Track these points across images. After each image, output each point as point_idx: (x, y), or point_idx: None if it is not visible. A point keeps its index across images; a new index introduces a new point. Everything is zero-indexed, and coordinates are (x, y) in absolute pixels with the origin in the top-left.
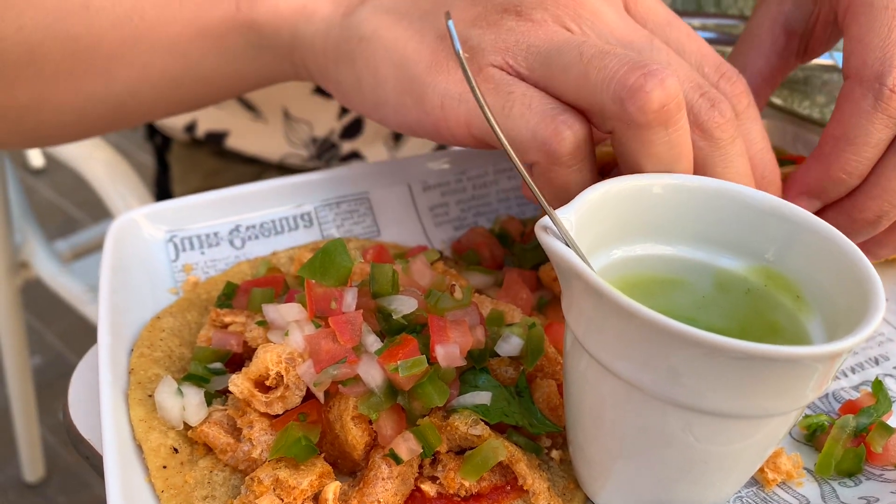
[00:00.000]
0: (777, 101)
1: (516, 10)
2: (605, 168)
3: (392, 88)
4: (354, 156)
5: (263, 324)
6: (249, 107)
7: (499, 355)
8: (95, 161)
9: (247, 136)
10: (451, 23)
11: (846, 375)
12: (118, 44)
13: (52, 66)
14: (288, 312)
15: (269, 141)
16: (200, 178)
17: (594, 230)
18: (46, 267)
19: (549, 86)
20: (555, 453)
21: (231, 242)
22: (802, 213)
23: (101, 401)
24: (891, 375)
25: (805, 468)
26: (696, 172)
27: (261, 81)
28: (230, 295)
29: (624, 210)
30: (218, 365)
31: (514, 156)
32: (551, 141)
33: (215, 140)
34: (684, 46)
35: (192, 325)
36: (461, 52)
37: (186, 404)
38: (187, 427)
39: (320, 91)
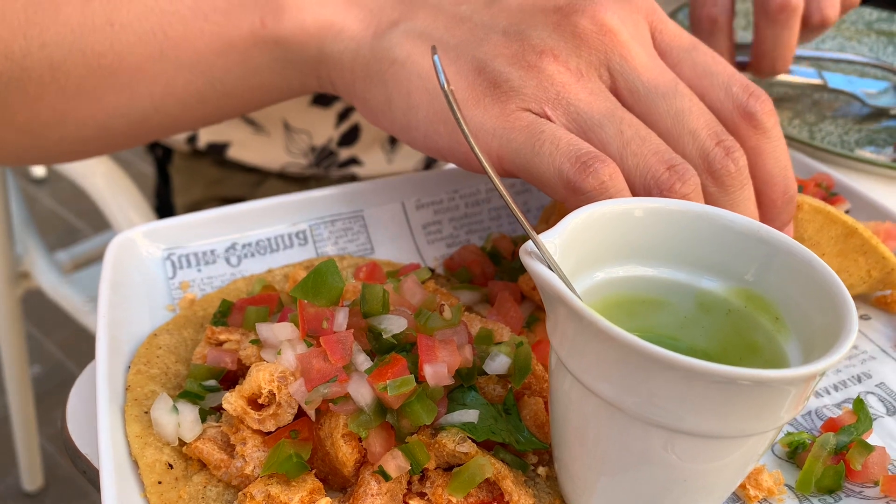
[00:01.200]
0: None
1: (553, 54)
2: None
3: (424, 115)
4: (353, 161)
5: (257, 342)
6: (250, 121)
7: (487, 373)
8: (95, 174)
9: (248, 147)
10: (436, 58)
11: (829, 393)
12: (142, 60)
13: (75, 83)
14: (281, 332)
15: (270, 151)
16: (202, 187)
17: (578, 253)
18: (47, 277)
19: (585, 139)
20: (541, 470)
21: (227, 260)
22: (780, 236)
23: (98, 417)
24: (873, 393)
25: (786, 485)
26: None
27: (285, 94)
28: (226, 312)
29: (607, 233)
30: (213, 382)
31: (496, 178)
32: (576, 179)
33: (217, 151)
34: (711, 68)
35: (189, 341)
36: (447, 87)
37: (181, 421)
38: (182, 443)
39: (318, 101)
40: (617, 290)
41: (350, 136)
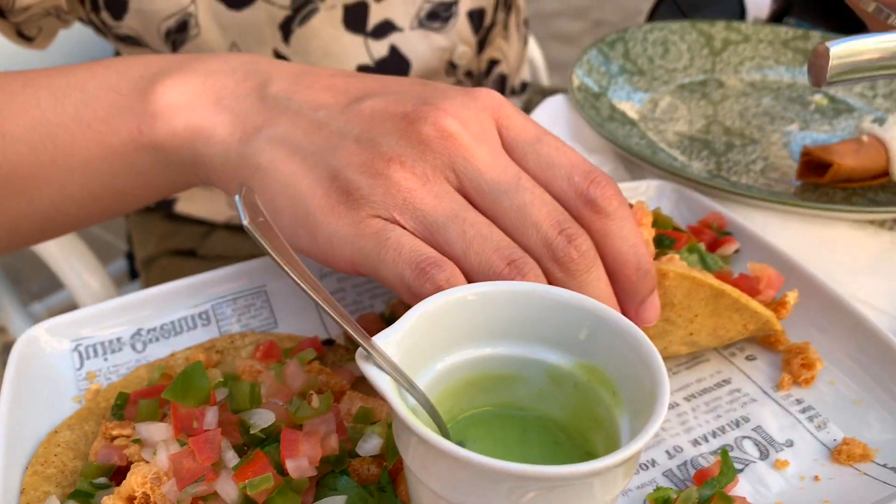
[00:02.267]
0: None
1: (400, 161)
2: None
3: (288, 219)
4: None
5: (139, 441)
6: None
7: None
8: (51, 244)
9: (194, 201)
10: (238, 198)
11: (707, 441)
12: (36, 167)
13: None
14: (156, 432)
15: (214, 205)
16: (155, 241)
17: (424, 344)
18: (23, 330)
19: (432, 244)
20: None
21: (133, 346)
22: (599, 307)
23: None
24: (749, 437)
25: None
26: None
27: (174, 189)
28: (122, 405)
29: (449, 320)
30: (104, 479)
31: (318, 298)
32: (415, 286)
33: (165, 206)
34: (554, 160)
35: (90, 435)
36: (247, 224)
37: None
38: None
39: None
40: (472, 369)
41: None
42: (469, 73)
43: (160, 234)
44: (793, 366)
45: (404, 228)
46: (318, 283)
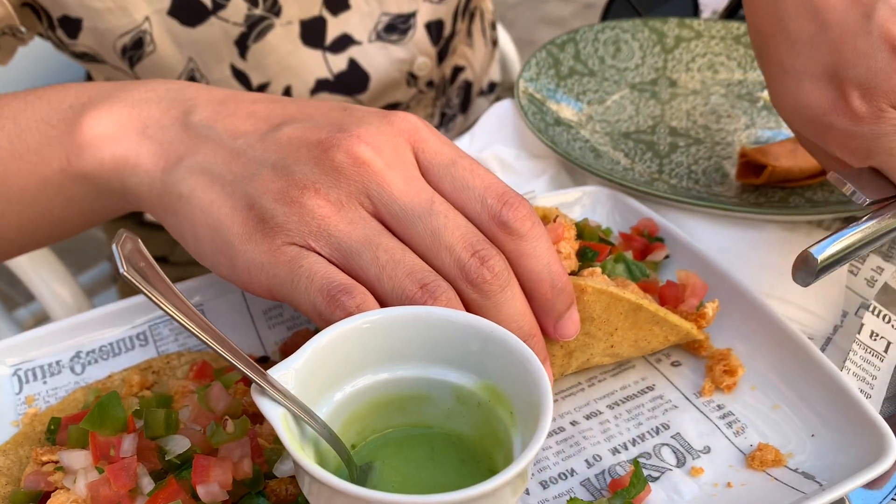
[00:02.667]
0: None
1: (315, 188)
2: None
3: (208, 247)
4: None
5: (62, 468)
6: None
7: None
8: (21, 257)
9: None
10: (114, 247)
11: (626, 448)
12: None
13: None
14: (76, 460)
15: None
16: None
17: (325, 372)
18: (6, 336)
19: (346, 270)
20: None
21: (72, 369)
22: (486, 325)
23: None
24: (667, 445)
25: None
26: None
27: (112, 215)
28: (54, 430)
29: (349, 347)
30: None
31: (213, 344)
32: (326, 312)
33: (137, 214)
34: (468, 182)
35: (24, 460)
36: (125, 272)
37: None
38: None
39: None
40: (379, 392)
41: None
42: (430, 83)
43: None
44: (715, 372)
45: (319, 255)
46: (205, 320)
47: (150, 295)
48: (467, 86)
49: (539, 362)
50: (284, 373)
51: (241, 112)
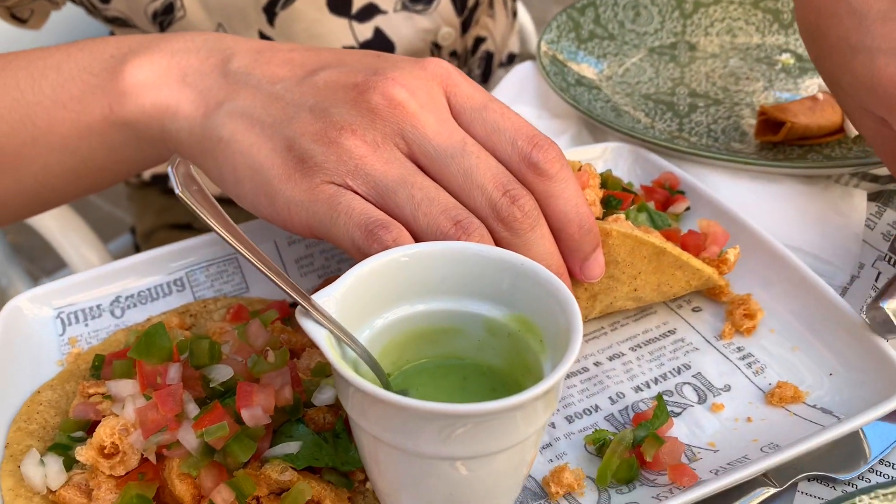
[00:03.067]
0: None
1: (351, 129)
2: None
3: (249, 188)
4: None
5: (111, 397)
6: None
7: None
8: (51, 221)
9: None
10: (170, 169)
11: (649, 387)
12: (19, 146)
13: None
14: (124, 388)
15: (207, 180)
16: (152, 216)
17: (362, 301)
18: None
19: (383, 208)
20: (368, 485)
21: (112, 312)
22: (517, 259)
23: None
24: (689, 383)
25: (590, 478)
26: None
27: (151, 164)
28: (98, 366)
29: (386, 280)
30: (81, 433)
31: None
32: (364, 246)
33: (162, 181)
34: (499, 125)
35: (70, 395)
36: (180, 192)
37: (48, 472)
38: (51, 491)
39: None
40: (414, 324)
41: None
42: (454, 53)
43: (158, 208)
44: (735, 316)
45: (356, 193)
46: (256, 247)
47: (202, 214)
48: (488, 56)
49: (568, 290)
50: (326, 299)
51: (278, 59)
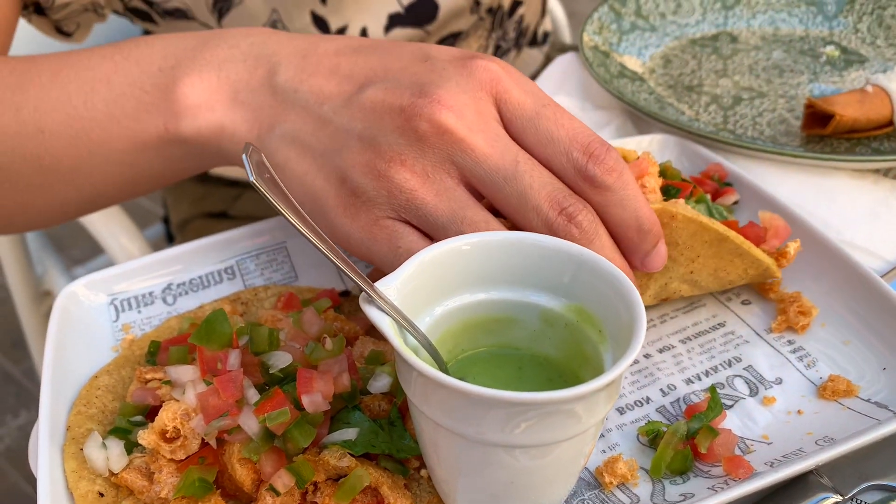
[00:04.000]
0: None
1: (401, 160)
2: None
3: (309, 210)
4: None
5: (169, 382)
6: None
7: (371, 392)
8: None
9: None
10: (245, 157)
11: (700, 379)
12: (76, 160)
13: (25, 180)
14: (184, 374)
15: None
16: (189, 204)
17: (423, 290)
18: None
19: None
20: (423, 472)
21: (164, 300)
22: (579, 250)
23: (39, 459)
24: (740, 376)
25: (643, 469)
26: None
27: (211, 167)
28: (154, 352)
29: (446, 269)
30: (140, 417)
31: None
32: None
33: None
34: (553, 135)
35: (126, 380)
36: (254, 180)
37: (109, 455)
38: (112, 474)
39: None
40: (472, 313)
41: None
42: (491, 10)
43: (194, 197)
44: (790, 313)
45: (412, 226)
46: (324, 235)
47: (274, 202)
48: (522, 21)
49: (630, 282)
50: (388, 287)
51: (324, 68)
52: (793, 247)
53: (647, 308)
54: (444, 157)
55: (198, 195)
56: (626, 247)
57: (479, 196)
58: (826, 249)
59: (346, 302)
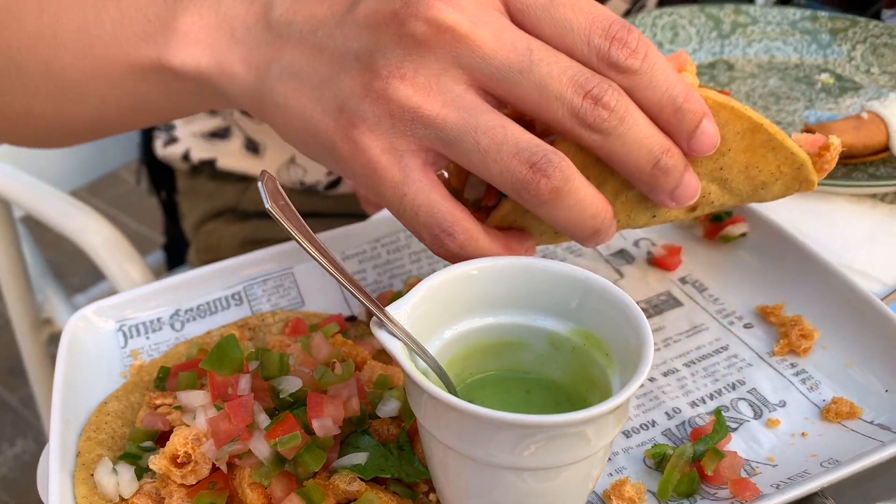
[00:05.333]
0: None
1: (399, 74)
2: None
3: (315, 152)
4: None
5: (180, 407)
6: (253, 148)
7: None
8: (94, 238)
9: (234, 156)
10: (260, 184)
11: (704, 402)
12: (80, 74)
13: (34, 83)
14: (195, 399)
15: (253, 162)
16: (203, 202)
17: (433, 314)
18: (68, 321)
19: (456, 161)
20: (433, 496)
21: (172, 326)
22: (585, 275)
23: (49, 485)
24: (744, 399)
25: (650, 491)
26: (601, 162)
27: (210, 108)
28: (163, 378)
29: (456, 293)
30: (150, 443)
31: (335, 272)
32: (434, 251)
33: (208, 165)
34: (571, 23)
35: (135, 406)
36: (269, 207)
37: (120, 480)
38: (123, 499)
39: None
40: (480, 337)
41: (335, 183)
42: None
43: (207, 193)
44: (791, 336)
45: (420, 159)
46: (337, 260)
47: (289, 229)
48: None
49: (636, 306)
50: (398, 311)
51: None
52: (835, 142)
53: (656, 302)
54: (448, 61)
55: (210, 191)
56: (668, 131)
57: (496, 105)
58: (826, 273)
59: (352, 327)
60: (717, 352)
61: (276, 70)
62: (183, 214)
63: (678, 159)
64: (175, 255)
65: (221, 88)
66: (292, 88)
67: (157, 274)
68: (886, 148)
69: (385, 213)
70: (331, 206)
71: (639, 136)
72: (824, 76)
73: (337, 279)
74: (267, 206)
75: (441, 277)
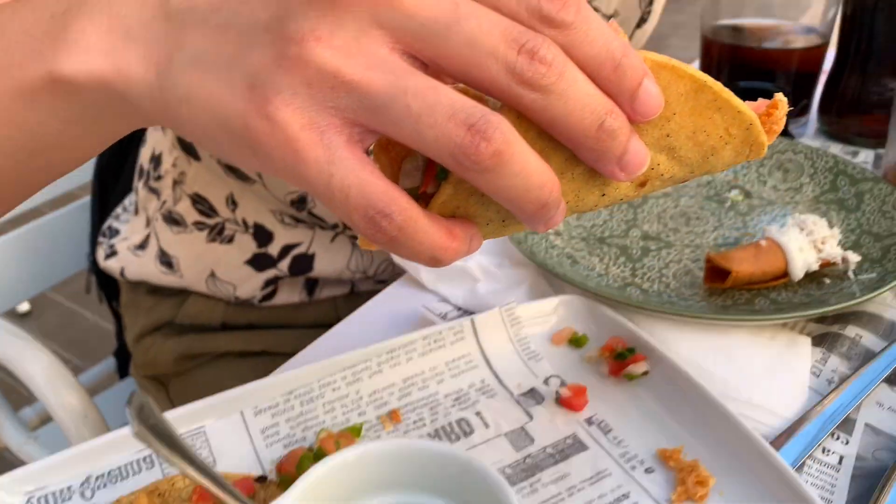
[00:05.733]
0: None
1: (315, 37)
2: None
3: (227, 146)
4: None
5: None
6: (168, 264)
7: None
8: (33, 366)
9: (156, 273)
10: (127, 409)
11: None
12: None
13: None
14: None
15: (186, 273)
16: (143, 316)
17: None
18: (13, 437)
19: (380, 130)
20: None
21: (82, 494)
22: (461, 455)
23: None
24: None
25: None
26: (537, 122)
27: (115, 137)
28: None
29: (342, 478)
30: None
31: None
32: (369, 236)
33: (145, 283)
34: None
35: None
36: (135, 434)
37: None
38: None
39: (253, 263)
40: None
41: (269, 296)
42: None
43: (146, 308)
44: (688, 484)
45: (345, 134)
46: (218, 475)
47: (161, 453)
48: None
49: (508, 487)
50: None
51: None
52: (783, 98)
53: (554, 482)
54: (368, 20)
55: (148, 305)
56: (608, 90)
57: (423, 69)
58: (722, 417)
59: (261, 488)
60: (618, 500)
61: (178, 62)
62: (125, 327)
63: (623, 121)
64: (123, 365)
65: (122, 97)
66: (196, 77)
67: (110, 381)
68: (786, 273)
69: (301, 366)
70: (267, 317)
71: (580, 94)
72: (734, 193)
73: (213, 492)
74: (133, 432)
75: (319, 470)
